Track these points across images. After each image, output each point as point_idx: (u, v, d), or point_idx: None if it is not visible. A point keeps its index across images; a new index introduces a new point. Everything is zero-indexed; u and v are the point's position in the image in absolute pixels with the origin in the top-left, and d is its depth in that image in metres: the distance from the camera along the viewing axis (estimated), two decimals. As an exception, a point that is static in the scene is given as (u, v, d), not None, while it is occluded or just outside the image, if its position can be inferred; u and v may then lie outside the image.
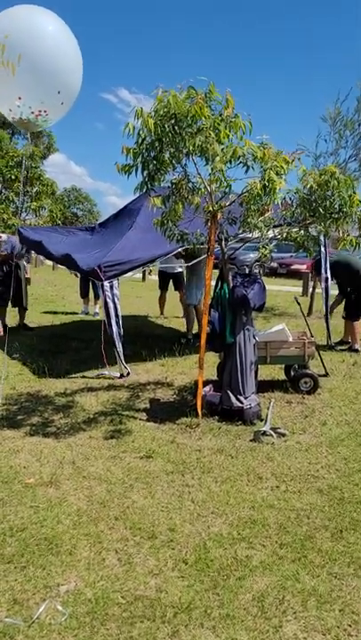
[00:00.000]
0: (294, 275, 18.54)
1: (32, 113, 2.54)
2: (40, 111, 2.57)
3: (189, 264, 7.90)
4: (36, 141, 31.06)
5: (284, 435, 4.32)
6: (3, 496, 3.26)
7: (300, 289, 13.60)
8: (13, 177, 21.60)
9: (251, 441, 4.20)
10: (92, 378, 6.00)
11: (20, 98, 2.47)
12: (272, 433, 4.25)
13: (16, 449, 4.01)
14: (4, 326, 8.62)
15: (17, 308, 8.91)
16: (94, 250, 6.89)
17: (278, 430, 4.33)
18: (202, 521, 3.01)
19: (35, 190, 22.30)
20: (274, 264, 19.98)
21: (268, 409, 4.67)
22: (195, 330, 7.88)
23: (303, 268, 17.61)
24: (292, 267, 19.52)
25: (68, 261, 6.60)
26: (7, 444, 4.08)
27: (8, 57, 2.33)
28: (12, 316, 8.97)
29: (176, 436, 4.31)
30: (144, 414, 4.83)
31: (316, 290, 10.31)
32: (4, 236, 9.35)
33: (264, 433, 4.27)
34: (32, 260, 8.99)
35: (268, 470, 3.68)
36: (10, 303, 8.73)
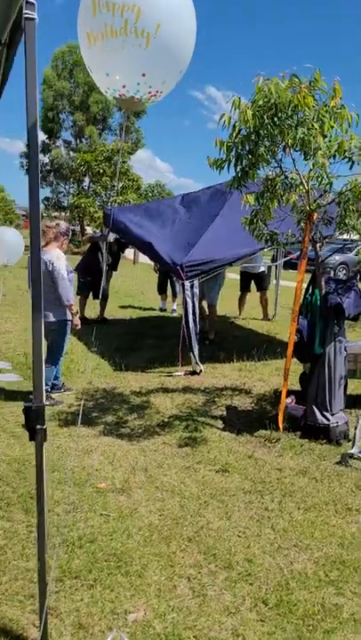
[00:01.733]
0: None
1: (149, 93, 2.26)
2: (157, 92, 2.28)
3: (276, 263, 7.56)
4: (126, 137, 31.62)
5: (375, 460, 3.91)
6: (74, 500, 3.14)
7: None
8: (101, 171, 22.04)
9: (337, 463, 3.83)
10: (168, 377, 5.85)
11: (143, 75, 2.18)
12: (361, 457, 3.86)
13: (89, 448, 3.91)
14: (83, 318, 8.72)
15: (97, 300, 9.00)
16: (178, 236, 6.71)
17: (369, 454, 3.92)
18: (283, 554, 2.72)
19: (121, 185, 22.63)
20: None
21: (355, 428, 4.26)
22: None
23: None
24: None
25: (150, 252, 6.50)
26: (81, 443, 3.99)
27: (144, 25, 1.99)
28: (91, 309, 9.04)
29: (255, 450, 4.03)
30: (220, 422, 4.59)
31: None
32: (90, 230, 9.44)
33: (352, 456, 3.89)
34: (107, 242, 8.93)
35: (358, 501, 3.31)
36: (91, 295, 8.84)
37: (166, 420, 4.60)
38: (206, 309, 7.71)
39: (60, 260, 4.76)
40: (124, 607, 2.25)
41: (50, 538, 2.70)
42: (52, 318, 4.74)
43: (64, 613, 2.19)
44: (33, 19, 1.69)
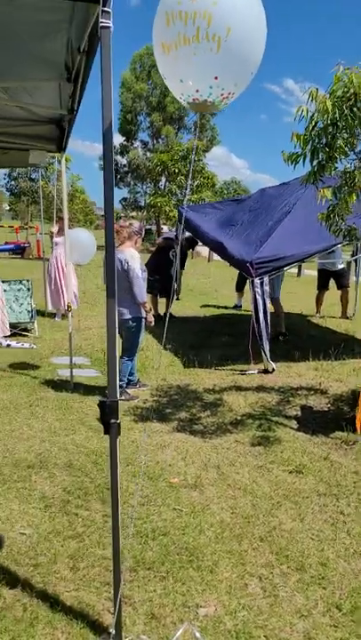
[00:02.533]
0: None
1: (221, 95, 2.30)
2: (230, 93, 2.31)
3: (355, 257, 7.28)
4: (200, 135, 31.72)
5: None
6: (148, 493, 3.22)
7: None
8: (177, 170, 22.27)
9: None
10: (241, 375, 5.82)
11: (216, 78, 2.22)
12: None
13: (163, 444, 3.98)
14: (157, 316, 8.90)
15: (164, 298, 9.18)
16: (249, 233, 6.66)
17: None
18: (359, 560, 2.63)
19: (196, 183, 22.75)
20: None
21: None
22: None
23: None
24: None
25: (221, 250, 6.50)
26: (155, 438, 4.08)
27: (215, 29, 2.04)
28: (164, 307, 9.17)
29: (330, 451, 3.92)
30: (295, 422, 4.50)
31: None
32: (166, 228, 9.60)
33: None
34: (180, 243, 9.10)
35: None
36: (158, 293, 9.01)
37: (239, 418, 4.59)
38: (270, 304, 7.62)
39: (134, 259, 4.87)
40: (195, 601, 2.28)
41: (124, 528, 2.79)
42: (127, 315, 4.87)
43: (137, 602, 2.25)
44: (108, 27, 1.74)
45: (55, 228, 8.74)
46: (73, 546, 2.64)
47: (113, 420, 1.90)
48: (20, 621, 2.11)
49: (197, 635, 2.06)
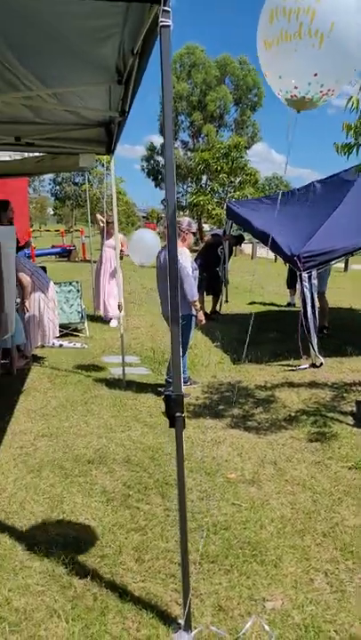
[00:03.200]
0: None
1: (320, 92, 2.29)
2: (329, 90, 2.30)
3: None
4: (242, 132, 31.51)
5: None
6: (206, 488, 3.24)
7: None
8: (219, 168, 22.22)
9: None
10: (292, 371, 5.77)
11: (315, 74, 2.23)
12: None
13: (218, 440, 3.99)
14: (206, 314, 8.92)
15: (210, 296, 9.22)
16: (297, 227, 6.57)
17: None
18: None
19: (238, 180, 22.63)
20: None
21: None
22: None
23: None
24: None
25: (270, 244, 6.45)
26: (210, 434, 4.10)
27: (318, 25, 2.04)
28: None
29: (390, 447, 3.83)
30: (350, 419, 4.42)
31: None
32: (207, 227, 9.60)
33: None
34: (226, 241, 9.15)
35: None
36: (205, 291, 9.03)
37: (293, 414, 4.55)
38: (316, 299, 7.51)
39: (185, 257, 4.89)
40: (261, 594, 2.28)
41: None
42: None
43: (204, 595, 2.27)
44: (168, 25, 1.77)
45: (99, 222, 8.77)
46: (137, 538, 2.69)
47: (178, 414, 1.93)
48: (91, 610, 2.17)
49: (266, 627, 2.06)
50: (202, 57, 33.49)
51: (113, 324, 8.22)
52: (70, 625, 2.09)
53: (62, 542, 2.65)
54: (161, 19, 1.78)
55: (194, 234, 5.20)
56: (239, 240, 9.76)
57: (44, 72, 3.40)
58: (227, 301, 9.71)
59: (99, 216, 8.87)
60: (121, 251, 7.96)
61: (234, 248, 10.17)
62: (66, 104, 4.04)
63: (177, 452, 1.99)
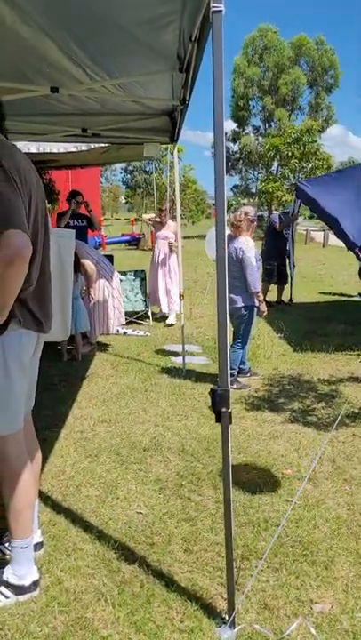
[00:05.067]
0: None
1: None
2: None
3: None
4: (315, 115, 30.46)
5: None
6: (260, 483, 3.20)
7: None
8: (290, 154, 21.63)
9: None
10: (359, 364, 5.54)
11: None
12: None
13: (275, 434, 3.92)
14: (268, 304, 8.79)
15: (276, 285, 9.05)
16: None
17: None
18: None
19: (310, 166, 21.94)
20: None
21: None
22: None
23: None
24: None
25: (335, 228, 6.16)
26: (267, 428, 4.03)
27: None
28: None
29: None
30: None
31: None
32: (276, 214, 9.40)
33: None
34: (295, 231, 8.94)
35: None
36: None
37: (357, 410, 4.38)
38: None
39: (248, 247, 4.82)
40: (309, 596, 2.23)
41: (236, 516, 2.80)
42: (239, 304, 4.84)
43: (250, 591, 2.25)
44: (220, 11, 1.72)
45: (149, 216, 8.65)
46: (186, 529, 2.70)
47: (224, 409, 1.91)
48: (137, 597, 2.21)
49: (313, 630, 2.01)
50: (275, 39, 32.58)
51: (170, 320, 7.71)
52: (116, 610, 2.14)
53: (114, 527, 2.71)
54: (213, 4, 1.73)
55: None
56: (288, 219, 9.29)
57: (108, 63, 3.44)
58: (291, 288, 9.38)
59: (145, 216, 8.75)
60: (169, 243, 7.83)
61: (303, 234, 9.90)
62: (130, 94, 4.07)
63: (223, 449, 1.97)
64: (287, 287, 9.13)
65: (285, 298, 9.18)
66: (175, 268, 7.62)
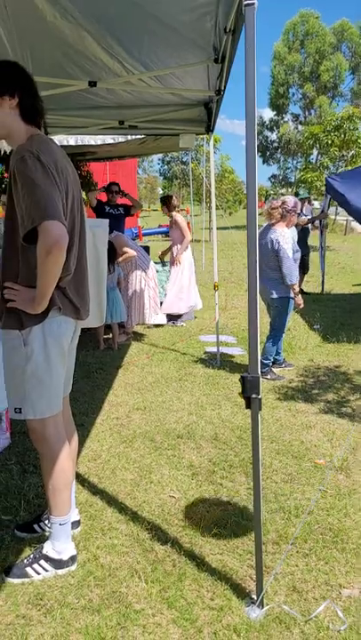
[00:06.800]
0: None
1: None
2: None
3: None
4: (357, 102, 29.66)
5: None
6: (292, 471, 3.23)
7: None
8: (329, 142, 21.19)
9: None
10: None
11: None
12: None
13: (309, 424, 3.93)
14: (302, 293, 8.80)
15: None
16: None
17: None
18: None
19: (351, 154, 21.43)
20: None
21: None
22: None
23: None
24: None
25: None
26: (300, 418, 4.05)
27: None
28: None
29: None
30: None
31: None
32: (316, 204, 9.30)
33: None
34: (328, 223, 8.94)
35: None
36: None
37: (393, 402, 4.34)
38: None
39: (285, 239, 4.77)
40: (338, 581, 2.26)
41: (267, 503, 2.85)
42: (274, 295, 4.84)
43: (279, 574, 2.30)
44: (252, 4, 1.74)
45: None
46: (218, 513, 2.77)
47: (254, 396, 1.95)
48: (169, 575, 2.29)
49: (340, 613, 2.05)
50: (316, 24, 31.82)
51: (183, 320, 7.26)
52: (149, 586, 2.22)
53: (148, 509, 2.80)
54: (245, -3, 1.75)
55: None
56: (316, 217, 9.28)
57: (146, 56, 3.50)
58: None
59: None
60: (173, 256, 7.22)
61: (343, 225, 9.82)
62: (166, 86, 4.12)
63: (252, 433, 2.02)
64: (318, 278, 9.14)
65: (313, 289, 9.31)
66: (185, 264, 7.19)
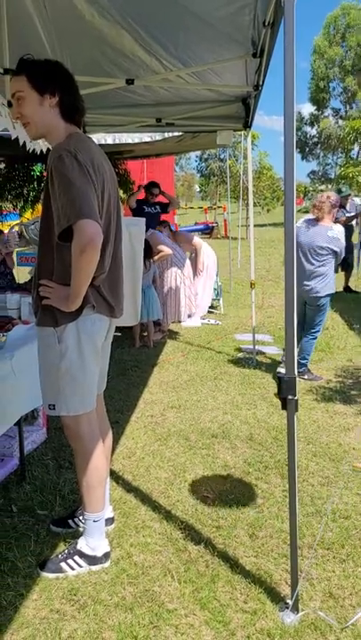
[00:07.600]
0: None
1: None
2: None
3: None
4: None
5: None
6: (329, 474, 3.16)
7: None
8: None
9: None
10: None
11: None
12: None
13: (347, 426, 3.84)
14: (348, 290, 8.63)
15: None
16: None
17: None
18: None
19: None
20: None
21: None
22: None
23: None
24: None
25: None
26: (338, 420, 3.95)
27: None
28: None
29: None
30: None
31: None
32: (358, 200, 9.13)
33: None
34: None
35: None
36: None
37: None
38: None
39: (342, 234, 4.72)
40: (376, 590, 2.19)
41: (303, 506, 2.79)
42: (321, 293, 4.69)
43: (315, 579, 2.25)
44: (292, -3, 1.69)
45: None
46: (252, 515, 2.73)
47: (290, 397, 1.91)
48: (202, 575, 2.28)
49: (377, 624, 1.98)
50: (358, 17, 31.07)
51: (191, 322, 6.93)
52: (182, 586, 2.21)
53: (181, 509, 2.79)
54: (285, -12, 1.71)
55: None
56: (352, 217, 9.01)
57: (183, 52, 3.48)
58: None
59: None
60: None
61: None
62: (204, 82, 4.09)
63: (288, 435, 1.97)
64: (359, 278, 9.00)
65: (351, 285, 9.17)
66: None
